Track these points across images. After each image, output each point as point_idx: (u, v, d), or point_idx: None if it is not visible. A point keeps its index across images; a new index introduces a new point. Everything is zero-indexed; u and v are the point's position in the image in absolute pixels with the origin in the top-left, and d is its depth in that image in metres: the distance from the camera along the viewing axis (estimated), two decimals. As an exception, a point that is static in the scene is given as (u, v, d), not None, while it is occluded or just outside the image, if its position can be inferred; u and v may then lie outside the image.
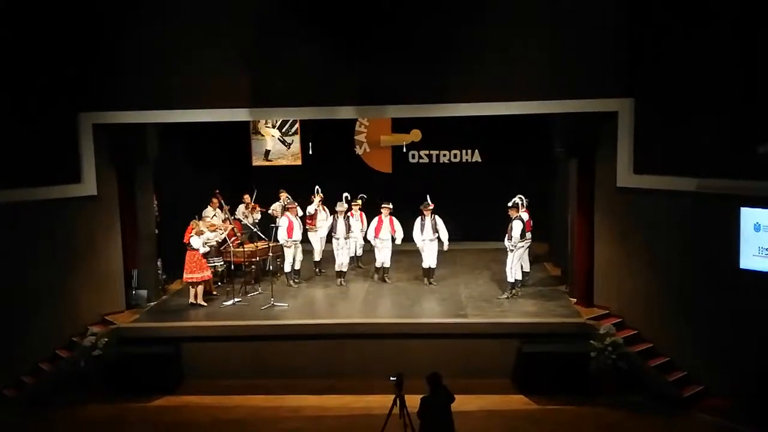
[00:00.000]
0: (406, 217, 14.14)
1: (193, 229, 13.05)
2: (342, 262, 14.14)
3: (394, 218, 14.13)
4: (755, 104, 10.15)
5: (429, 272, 14.01)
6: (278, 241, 14.54)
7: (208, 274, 13.19)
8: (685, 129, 11.02)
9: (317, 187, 14.77)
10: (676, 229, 11.33)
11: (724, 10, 10.46)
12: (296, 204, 14.38)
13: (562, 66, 11.71)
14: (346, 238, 14.11)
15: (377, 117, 16.27)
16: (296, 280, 14.25)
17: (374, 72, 11.87)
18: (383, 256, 14.19)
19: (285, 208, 14.29)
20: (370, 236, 14.27)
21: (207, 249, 13.13)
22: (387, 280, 14.23)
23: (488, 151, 17.16)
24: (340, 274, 14.20)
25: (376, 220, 14.17)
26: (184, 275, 13.08)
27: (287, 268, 14.16)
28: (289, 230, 13.84)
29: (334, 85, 11.98)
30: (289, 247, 13.99)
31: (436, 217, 13.78)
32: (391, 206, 14.16)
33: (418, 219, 13.79)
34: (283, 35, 11.90)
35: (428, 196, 13.84)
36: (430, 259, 13.89)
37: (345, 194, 14.59)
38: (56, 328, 12.17)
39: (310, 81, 12.00)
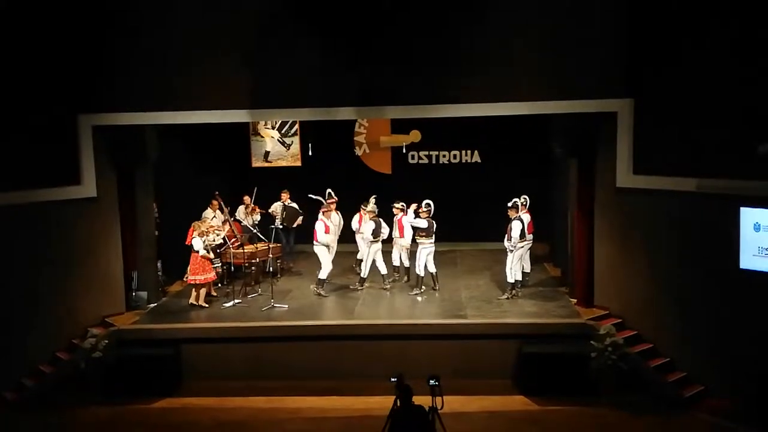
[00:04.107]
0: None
1: (194, 230, 13.03)
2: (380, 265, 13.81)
3: (403, 219, 13.71)
4: (755, 104, 10.15)
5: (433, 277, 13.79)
6: (279, 242, 14.54)
7: (211, 276, 13.16)
8: (684, 129, 11.02)
9: (329, 190, 14.48)
10: (675, 230, 11.34)
11: (724, 10, 10.46)
12: (330, 208, 14.06)
13: (562, 66, 11.72)
14: (373, 241, 13.72)
15: (376, 118, 16.27)
16: (322, 290, 13.68)
17: (373, 73, 11.87)
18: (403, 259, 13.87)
19: (323, 212, 13.89)
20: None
21: (206, 252, 13.02)
22: (386, 287, 13.92)
23: (488, 151, 17.15)
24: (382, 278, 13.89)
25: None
26: (189, 276, 13.06)
27: (323, 275, 13.61)
28: (326, 232, 13.57)
29: (334, 86, 11.98)
30: (326, 247, 13.61)
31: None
32: (399, 205, 13.75)
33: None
34: (283, 36, 11.90)
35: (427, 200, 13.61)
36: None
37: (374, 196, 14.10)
38: (56, 330, 12.16)
39: (309, 82, 12.00)
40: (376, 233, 13.67)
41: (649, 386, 11.10)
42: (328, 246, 13.70)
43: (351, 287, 13.97)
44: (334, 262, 14.02)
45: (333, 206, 14.26)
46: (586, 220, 12.59)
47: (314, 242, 13.66)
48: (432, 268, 13.59)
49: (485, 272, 14.96)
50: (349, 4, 11.64)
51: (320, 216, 13.90)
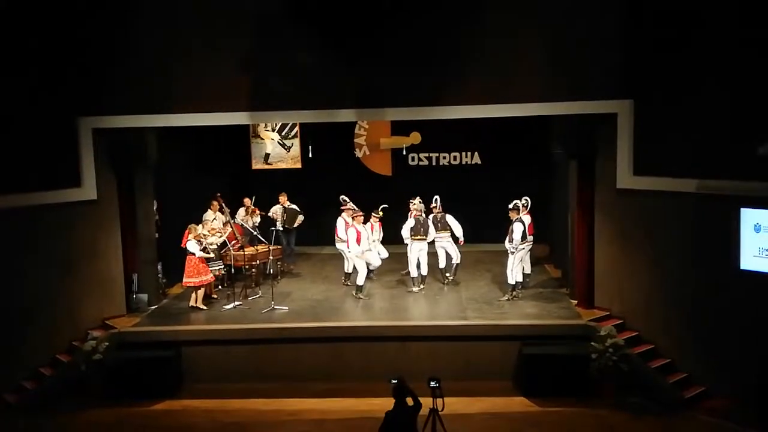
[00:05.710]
0: (405, 219, 14.09)
1: (189, 233, 13.04)
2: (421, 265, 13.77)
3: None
4: (754, 105, 10.15)
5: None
6: (279, 244, 14.54)
7: (207, 278, 13.16)
8: (684, 130, 11.02)
9: (343, 197, 14.35)
10: (676, 231, 11.33)
11: (723, 11, 10.47)
12: (362, 213, 13.87)
13: (562, 68, 11.72)
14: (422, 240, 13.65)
15: (377, 120, 16.26)
16: (362, 294, 13.58)
17: (374, 74, 11.87)
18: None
19: (352, 217, 13.77)
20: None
21: (204, 254, 13.02)
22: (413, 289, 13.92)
23: (488, 153, 17.17)
24: (421, 279, 13.83)
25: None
26: (184, 279, 13.10)
27: (360, 281, 13.48)
28: (358, 240, 13.43)
29: (334, 88, 11.99)
30: (360, 257, 13.49)
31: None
32: (417, 201, 13.91)
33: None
34: (282, 38, 11.90)
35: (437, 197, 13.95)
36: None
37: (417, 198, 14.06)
38: (57, 332, 12.16)
39: (309, 84, 12.00)
40: (420, 231, 13.67)
41: (650, 387, 11.09)
42: (362, 252, 13.57)
43: (408, 290, 13.80)
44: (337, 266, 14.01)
45: (359, 214, 13.91)
46: (587, 221, 12.58)
47: (348, 249, 13.66)
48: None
49: (486, 274, 14.95)
50: (349, 5, 11.63)
51: (348, 221, 13.80)
